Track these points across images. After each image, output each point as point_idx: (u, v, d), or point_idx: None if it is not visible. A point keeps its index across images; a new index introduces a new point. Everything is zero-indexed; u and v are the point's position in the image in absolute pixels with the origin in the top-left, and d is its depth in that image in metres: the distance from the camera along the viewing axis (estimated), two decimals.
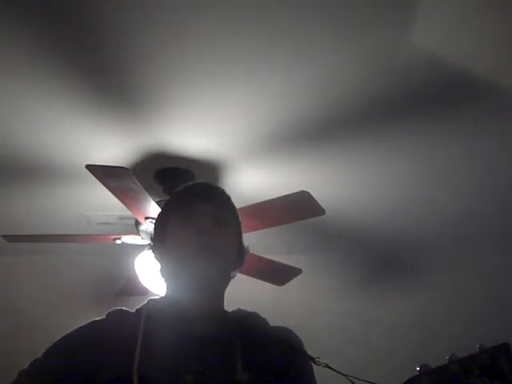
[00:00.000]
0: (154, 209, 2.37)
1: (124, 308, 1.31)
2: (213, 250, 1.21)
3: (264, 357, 1.22)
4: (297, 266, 2.81)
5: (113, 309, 1.31)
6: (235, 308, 1.32)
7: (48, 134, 2.40)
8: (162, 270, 1.32)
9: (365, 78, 2.09)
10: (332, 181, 2.74)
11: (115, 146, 2.49)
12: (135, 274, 2.59)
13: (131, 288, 2.84)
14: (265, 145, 2.48)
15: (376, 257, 3.45)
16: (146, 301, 1.32)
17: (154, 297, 1.33)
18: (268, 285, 2.83)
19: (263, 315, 1.39)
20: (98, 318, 1.30)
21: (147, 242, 2.62)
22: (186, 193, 1.32)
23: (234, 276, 1.30)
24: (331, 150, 2.52)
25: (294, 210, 2.40)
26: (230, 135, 2.42)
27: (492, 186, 2.79)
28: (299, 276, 2.86)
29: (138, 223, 2.55)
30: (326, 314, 3.50)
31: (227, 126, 2.36)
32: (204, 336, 1.21)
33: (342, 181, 2.75)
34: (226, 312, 1.30)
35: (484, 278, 3.47)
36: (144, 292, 2.73)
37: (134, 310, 1.30)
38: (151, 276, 2.56)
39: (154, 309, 1.28)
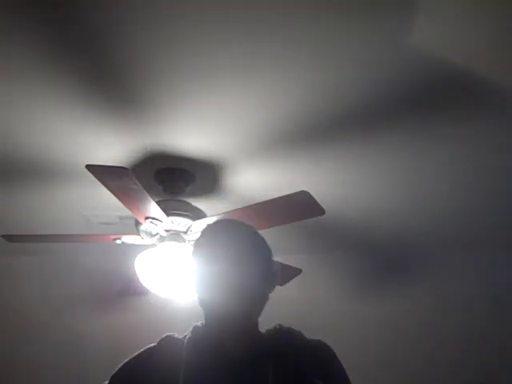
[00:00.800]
0: (154, 209, 2.37)
1: (174, 334, 1.47)
2: (236, 287, 1.36)
3: (296, 377, 1.33)
4: (297, 266, 2.81)
5: (164, 335, 1.47)
6: (273, 324, 1.46)
7: (48, 134, 2.40)
8: (199, 302, 1.45)
9: (363, 78, 2.09)
10: (332, 181, 2.74)
11: (115, 146, 2.49)
12: (135, 274, 2.59)
13: (131, 288, 2.84)
14: (265, 145, 2.48)
15: (376, 257, 3.45)
16: (191, 328, 1.47)
17: (198, 323, 1.47)
18: None
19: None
20: (151, 346, 1.46)
21: (147, 241, 2.63)
22: (209, 240, 1.45)
23: (267, 299, 1.43)
24: (331, 150, 2.51)
25: (294, 209, 2.40)
26: (229, 135, 2.42)
27: (493, 186, 2.79)
28: (299, 276, 2.86)
29: (137, 223, 2.55)
30: (325, 314, 3.50)
31: (227, 126, 2.36)
32: (238, 360, 1.34)
33: (342, 181, 2.75)
34: (261, 335, 1.43)
35: (484, 277, 3.47)
36: (144, 292, 2.74)
37: (182, 337, 1.45)
38: (151, 276, 2.56)
39: (196, 335, 1.43)
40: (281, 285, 2.89)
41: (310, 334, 1.51)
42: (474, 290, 3.49)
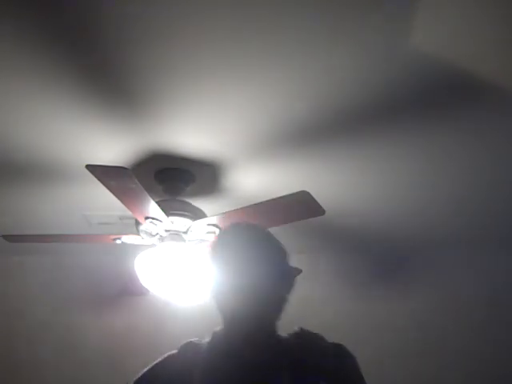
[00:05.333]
0: (154, 209, 2.37)
1: (194, 340, 1.49)
2: (252, 288, 1.37)
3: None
4: (297, 265, 2.81)
5: (184, 342, 1.49)
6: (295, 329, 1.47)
7: (48, 134, 2.40)
8: (216, 306, 1.47)
9: (364, 77, 2.09)
10: (332, 181, 2.74)
11: (115, 146, 2.49)
12: (135, 274, 2.59)
13: (131, 288, 2.84)
14: (265, 145, 2.48)
15: (376, 257, 3.45)
16: (211, 333, 1.48)
17: (217, 329, 1.47)
18: None
19: None
20: (172, 353, 1.47)
21: (147, 241, 2.63)
22: (224, 240, 1.49)
23: (286, 300, 1.46)
24: (331, 149, 2.52)
25: (294, 209, 2.40)
26: (229, 135, 2.42)
27: (493, 186, 2.79)
28: (299, 276, 2.86)
29: (138, 223, 2.55)
30: (325, 314, 3.50)
31: (227, 125, 2.36)
32: (255, 365, 1.35)
33: (342, 181, 2.75)
34: (279, 339, 1.44)
35: (484, 277, 3.47)
36: (144, 292, 2.74)
37: (202, 342, 1.47)
38: (151, 276, 2.56)
39: (214, 341, 1.44)
40: None
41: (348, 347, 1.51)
42: (474, 290, 3.50)
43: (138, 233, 2.60)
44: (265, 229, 1.52)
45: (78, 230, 2.96)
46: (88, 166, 2.14)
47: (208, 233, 2.52)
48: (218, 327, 1.46)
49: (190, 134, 2.42)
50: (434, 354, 3.66)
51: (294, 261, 2.83)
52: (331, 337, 1.52)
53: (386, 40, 1.92)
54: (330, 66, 2.05)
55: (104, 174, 2.18)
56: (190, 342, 1.47)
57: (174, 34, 1.90)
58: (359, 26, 1.88)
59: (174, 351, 1.47)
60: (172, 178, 2.66)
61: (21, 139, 2.44)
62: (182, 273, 2.52)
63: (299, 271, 2.85)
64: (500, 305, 3.49)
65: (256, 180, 2.72)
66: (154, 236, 2.58)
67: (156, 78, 2.09)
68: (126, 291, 2.94)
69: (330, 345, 1.44)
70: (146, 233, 2.57)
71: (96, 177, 2.18)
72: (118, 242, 2.65)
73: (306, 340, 1.43)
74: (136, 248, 2.65)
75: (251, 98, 2.20)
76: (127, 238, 2.65)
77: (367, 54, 1.99)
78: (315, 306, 3.53)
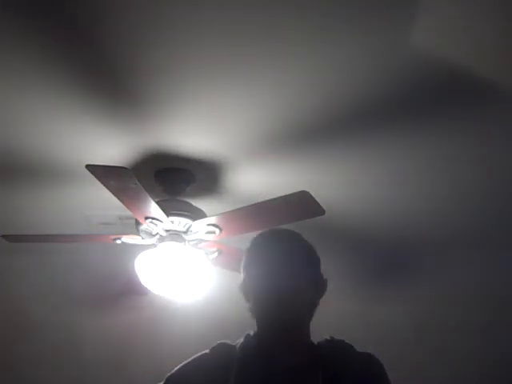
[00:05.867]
0: (154, 209, 2.37)
1: (227, 342, 1.49)
2: (290, 297, 1.39)
3: None
4: None
5: (217, 342, 1.49)
6: (326, 337, 1.49)
7: (48, 134, 2.40)
8: (250, 310, 1.47)
9: (364, 77, 2.09)
10: (332, 181, 2.74)
11: (115, 146, 2.49)
12: (135, 274, 2.59)
13: (131, 288, 2.84)
14: (265, 145, 2.47)
15: (376, 257, 3.45)
16: (243, 336, 1.48)
17: (250, 331, 1.48)
18: None
19: None
20: (205, 352, 1.47)
21: (147, 241, 2.63)
22: (261, 247, 1.50)
23: (317, 305, 1.50)
24: (331, 149, 2.51)
25: (293, 209, 2.40)
26: (229, 135, 2.42)
27: (493, 186, 2.79)
28: None
29: (138, 223, 2.55)
30: (325, 314, 3.48)
31: (227, 125, 2.36)
32: (288, 369, 1.36)
33: (342, 181, 2.75)
34: (311, 344, 1.46)
35: (484, 278, 3.47)
36: (144, 292, 2.74)
37: (234, 344, 1.47)
38: (151, 276, 2.56)
39: (248, 343, 1.44)
40: None
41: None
42: (474, 290, 3.49)
43: (138, 233, 2.60)
44: (298, 234, 1.54)
45: (78, 230, 2.95)
46: (88, 166, 2.14)
47: (208, 233, 2.52)
48: (252, 330, 1.48)
49: (189, 133, 2.42)
50: (433, 354, 3.66)
51: None
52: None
53: (386, 40, 1.92)
54: (329, 66, 2.05)
55: (104, 174, 2.18)
56: (224, 343, 1.48)
57: (175, 35, 1.90)
58: (359, 26, 1.88)
59: (206, 351, 1.47)
60: (172, 178, 2.66)
61: (21, 139, 2.44)
62: (182, 273, 2.52)
63: None
64: (500, 305, 3.49)
65: (256, 180, 2.72)
66: (154, 236, 2.58)
67: (156, 78, 2.09)
68: (126, 291, 2.94)
69: (359, 353, 1.47)
70: (146, 233, 2.57)
71: (96, 177, 2.19)
72: (118, 242, 2.65)
73: (337, 346, 1.46)
74: (136, 248, 2.65)
75: (251, 97, 2.20)
76: (127, 238, 2.65)
77: (367, 54, 1.99)
78: None
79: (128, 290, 2.91)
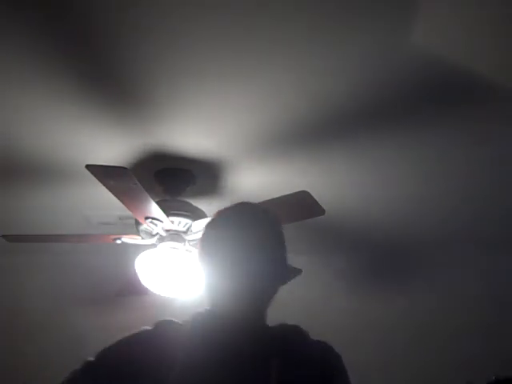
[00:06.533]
0: (154, 209, 2.37)
1: (173, 319, 1.36)
2: (250, 279, 1.28)
3: (300, 377, 1.25)
4: (297, 266, 2.81)
5: (162, 319, 1.36)
6: (278, 323, 1.36)
7: (48, 134, 2.40)
8: (204, 286, 1.36)
9: (364, 77, 2.09)
10: (332, 181, 2.74)
11: (115, 146, 2.49)
12: (135, 274, 2.59)
13: (131, 288, 2.84)
14: (265, 145, 2.47)
15: (376, 257, 3.45)
16: (192, 314, 1.36)
17: (199, 311, 1.36)
18: None
19: None
20: (147, 328, 1.34)
21: (147, 241, 2.63)
22: (224, 222, 1.36)
23: (277, 291, 1.35)
24: (331, 150, 2.51)
25: (294, 209, 2.40)
26: (230, 135, 2.42)
27: (494, 186, 2.79)
28: (299, 276, 2.86)
29: (138, 223, 2.55)
30: (325, 314, 3.50)
31: (227, 125, 2.36)
32: (241, 351, 1.25)
33: (342, 181, 2.75)
34: (267, 328, 1.34)
35: (484, 277, 3.47)
36: (144, 292, 2.74)
37: (181, 322, 1.34)
38: (151, 276, 2.56)
39: (198, 322, 1.32)
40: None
41: (310, 335, 1.50)
42: (474, 289, 3.49)
43: (138, 233, 2.60)
44: (270, 211, 1.40)
45: (78, 230, 2.95)
46: (88, 166, 2.14)
47: None
48: (201, 308, 1.36)
49: (190, 134, 2.42)
50: (433, 354, 3.66)
51: (294, 261, 2.85)
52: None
53: (386, 40, 1.92)
54: (329, 67, 2.05)
55: (104, 174, 2.18)
56: (170, 320, 1.35)
57: (175, 35, 1.90)
58: (359, 26, 1.88)
59: (148, 327, 1.34)
60: (172, 178, 2.66)
61: (21, 139, 2.44)
62: (182, 272, 2.52)
63: (299, 271, 2.85)
64: (500, 305, 3.48)
65: (256, 180, 2.72)
66: (154, 236, 2.58)
67: (156, 78, 2.09)
68: (126, 291, 2.94)
69: (316, 341, 1.35)
70: (146, 233, 2.57)
71: (96, 177, 2.18)
72: (118, 242, 2.65)
73: (294, 333, 1.34)
74: (136, 248, 2.65)
75: (251, 98, 2.20)
76: (127, 238, 2.65)
77: (367, 54, 1.99)
78: (315, 306, 3.52)
79: (128, 290, 2.91)
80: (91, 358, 1.34)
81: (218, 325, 1.29)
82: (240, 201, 1.43)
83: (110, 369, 1.30)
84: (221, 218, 1.38)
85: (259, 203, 2.39)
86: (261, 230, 1.33)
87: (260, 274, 1.29)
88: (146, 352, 1.26)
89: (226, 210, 1.39)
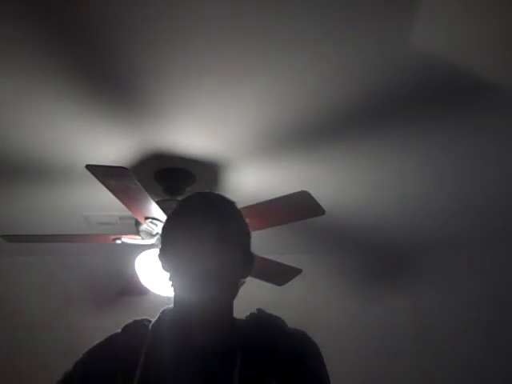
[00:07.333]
0: (154, 209, 2.37)
1: (139, 319, 1.34)
2: (214, 272, 1.21)
3: (265, 371, 1.21)
4: (297, 266, 2.81)
5: (129, 321, 1.34)
6: (253, 310, 1.33)
7: (48, 134, 2.40)
8: (169, 280, 1.32)
9: (364, 77, 2.09)
10: (332, 181, 2.74)
11: (115, 146, 2.49)
12: (135, 274, 2.59)
13: (131, 288, 2.84)
14: (265, 145, 2.48)
15: (376, 257, 3.45)
16: (159, 312, 1.33)
17: (167, 307, 1.33)
18: (268, 285, 2.83)
19: None
20: (115, 333, 1.32)
21: (147, 241, 2.63)
22: (185, 210, 1.33)
23: (243, 283, 1.30)
24: (331, 150, 2.52)
25: (294, 210, 2.40)
26: (229, 135, 2.42)
27: (495, 186, 2.79)
28: (299, 276, 2.86)
29: (138, 223, 2.55)
30: (326, 314, 3.50)
31: (227, 125, 2.36)
32: (206, 349, 1.22)
33: (342, 181, 2.75)
34: (235, 321, 1.30)
35: (484, 277, 3.47)
36: (144, 292, 2.74)
37: (149, 322, 1.31)
38: (151, 276, 2.56)
39: (162, 320, 1.30)
40: (280, 285, 2.89)
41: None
42: (475, 289, 3.49)
43: (138, 233, 2.60)
44: (232, 201, 1.36)
45: (78, 230, 2.95)
46: (88, 166, 2.14)
47: None
48: (167, 306, 1.33)
49: (190, 133, 2.42)
50: (433, 354, 3.66)
51: (294, 261, 2.85)
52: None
53: (386, 40, 1.92)
54: (329, 67, 2.05)
55: (104, 174, 2.18)
56: (136, 321, 1.32)
57: (175, 34, 1.90)
58: (359, 26, 1.88)
59: (118, 331, 1.31)
60: (172, 178, 2.66)
61: (21, 139, 2.44)
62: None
63: (299, 271, 2.85)
64: (500, 305, 3.49)
65: (256, 180, 2.72)
66: (154, 236, 2.58)
67: (156, 78, 2.09)
68: (126, 291, 2.94)
69: (290, 330, 1.30)
70: (146, 233, 2.57)
71: (96, 177, 2.18)
72: (118, 242, 2.65)
73: (262, 324, 1.29)
74: (136, 248, 2.65)
75: (251, 98, 2.20)
76: (127, 238, 2.65)
77: (367, 54, 1.99)
78: (315, 306, 3.53)
79: (128, 290, 2.91)
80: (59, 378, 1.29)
81: (181, 318, 1.26)
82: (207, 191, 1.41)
83: (83, 381, 1.27)
84: (182, 206, 1.35)
85: (259, 203, 2.41)
86: (223, 217, 1.30)
87: (223, 264, 1.23)
88: (112, 358, 1.24)
89: (188, 198, 1.36)
